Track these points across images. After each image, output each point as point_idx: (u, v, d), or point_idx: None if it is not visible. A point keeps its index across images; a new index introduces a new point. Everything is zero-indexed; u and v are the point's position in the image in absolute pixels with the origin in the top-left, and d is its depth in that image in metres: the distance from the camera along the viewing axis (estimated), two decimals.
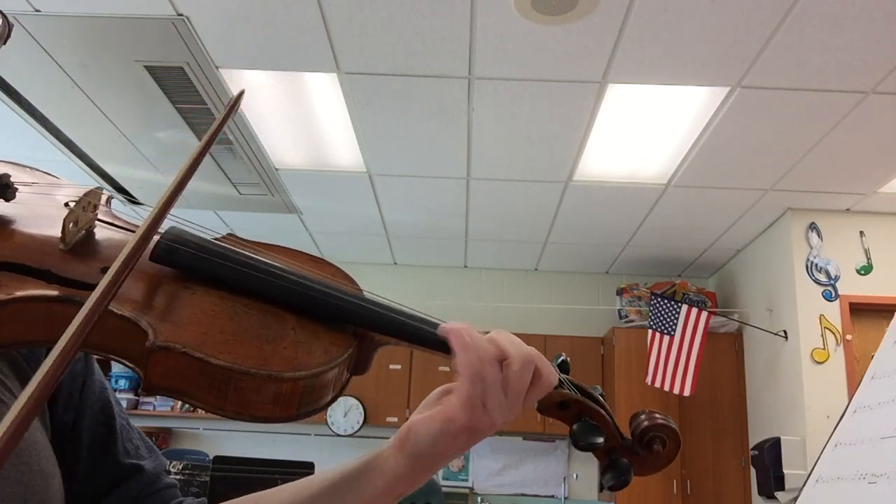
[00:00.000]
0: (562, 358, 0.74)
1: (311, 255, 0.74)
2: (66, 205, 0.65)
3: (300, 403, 0.60)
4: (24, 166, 0.74)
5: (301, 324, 0.64)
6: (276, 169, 4.88)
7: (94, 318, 0.43)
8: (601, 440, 0.69)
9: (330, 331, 0.65)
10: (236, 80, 3.81)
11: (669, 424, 0.71)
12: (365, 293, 0.70)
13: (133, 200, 5.29)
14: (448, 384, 0.68)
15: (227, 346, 0.58)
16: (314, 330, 0.64)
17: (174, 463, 3.63)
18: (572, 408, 0.71)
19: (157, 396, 6.14)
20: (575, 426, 0.69)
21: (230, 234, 0.72)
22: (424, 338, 0.67)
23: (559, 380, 0.71)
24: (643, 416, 0.72)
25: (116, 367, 6.22)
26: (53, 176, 0.75)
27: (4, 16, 0.69)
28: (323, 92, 3.93)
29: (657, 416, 0.72)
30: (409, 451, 0.66)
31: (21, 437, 0.37)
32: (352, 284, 0.71)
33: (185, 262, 0.65)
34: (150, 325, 0.57)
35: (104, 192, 0.71)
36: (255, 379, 0.57)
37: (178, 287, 0.64)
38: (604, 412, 0.71)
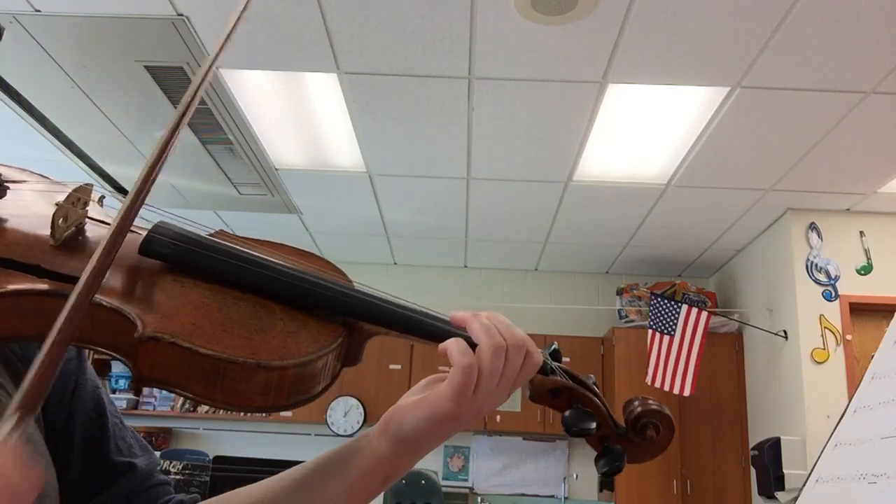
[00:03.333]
0: (553, 346, 0.75)
1: (300, 249, 0.74)
2: (57, 202, 0.66)
3: (290, 393, 0.61)
4: (15, 168, 0.74)
5: (289, 314, 0.65)
6: (276, 169, 4.88)
7: (82, 307, 0.43)
8: (593, 426, 0.70)
9: (319, 321, 0.65)
10: (236, 80, 3.81)
11: (663, 410, 0.72)
12: (355, 284, 0.70)
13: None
14: (438, 374, 0.69)
15: (215, 336, 0.59)
16: (303, 320, 0.65)
17: (174, 463, 3.63)
18: (563, 395, 0.72)
19: (153, 391, 6.10)
20: (567, 413, 0.70)
21: (220, 231, 0.72)
22: (414, 326, 0.68)
23: (551, 367, 0.72)
24: (636, 403, 0.73)
25: (116, 367, 6.22)
26: (45, 177, 0.76)
27: None
28: (323, 92, 3.92)
29: (650, 402, 0.73)
30: (393, 434, 0.67)
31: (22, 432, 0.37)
32: (341, 276, 0.72)
33: (173, 255, 0.65)
34: (139, 317, 0.58)
35: (96, 189, 0.71)
36: (244, 368, 0.58)
37: (166, 279, 0.64)
38: (596, 399, 0.72)
